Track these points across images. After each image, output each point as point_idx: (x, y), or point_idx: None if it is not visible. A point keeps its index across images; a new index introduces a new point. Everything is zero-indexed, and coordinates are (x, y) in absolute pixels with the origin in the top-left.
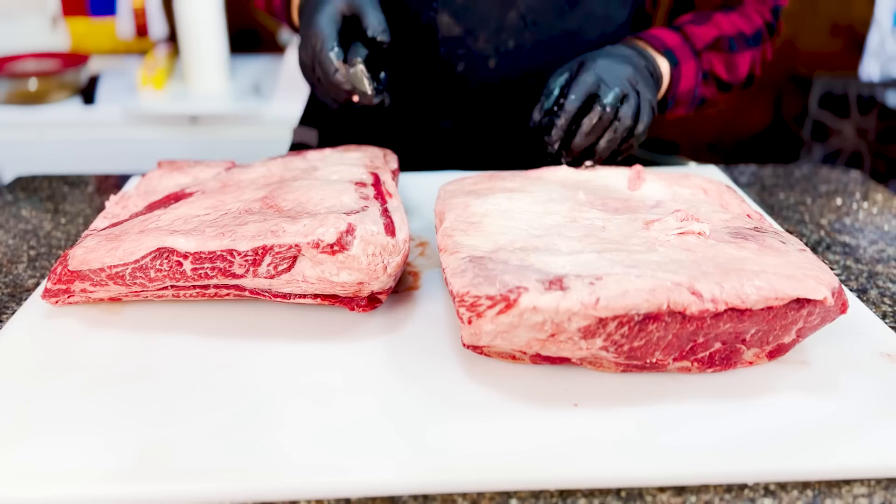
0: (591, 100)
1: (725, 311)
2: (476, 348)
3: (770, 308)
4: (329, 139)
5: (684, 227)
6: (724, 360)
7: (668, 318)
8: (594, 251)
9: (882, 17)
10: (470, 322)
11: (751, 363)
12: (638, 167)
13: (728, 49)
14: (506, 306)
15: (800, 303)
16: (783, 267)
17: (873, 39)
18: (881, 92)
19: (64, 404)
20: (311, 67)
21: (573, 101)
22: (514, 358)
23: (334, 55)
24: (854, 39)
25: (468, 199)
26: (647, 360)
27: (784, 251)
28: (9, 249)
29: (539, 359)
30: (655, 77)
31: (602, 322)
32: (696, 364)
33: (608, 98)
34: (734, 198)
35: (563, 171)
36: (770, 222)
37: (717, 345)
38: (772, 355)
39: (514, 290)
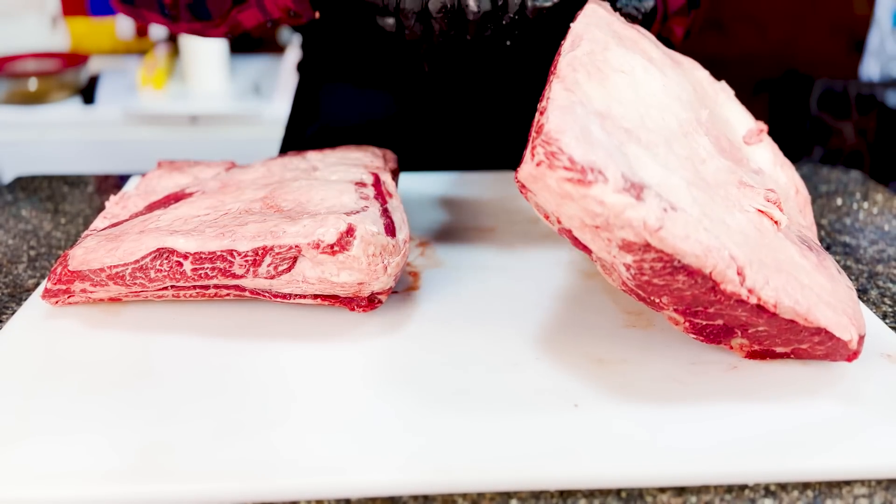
0: None
1: (753, 304)
2: (523, 187)
3: (792, 321)
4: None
5: (768, 209)
6: (715, 335)
7: (700, 280)
8: (684, 179)
9: (882, 17)
10: (539, 165)
11: (731, 349)
12: (763, 124)
13: None
14: (578, 181)
15: (819, 331)
16: (829, 293)
17: (873, 39)
18: (881, 92)
19: (63, 404)
20: None
21: None
22: (546, 217)
23: None
24: (854, 39)
25: (611, 41)
26: (651, 298)
27: (836, 280)
28: (9, 249)
29: (564, 232)
30: None
31: (646, 247)
32: (688, 324)
33: None
34: (811, 213)
35: (705, 73)
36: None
37: (720, 321)
38: (755, 355)
39: (594, 172)
